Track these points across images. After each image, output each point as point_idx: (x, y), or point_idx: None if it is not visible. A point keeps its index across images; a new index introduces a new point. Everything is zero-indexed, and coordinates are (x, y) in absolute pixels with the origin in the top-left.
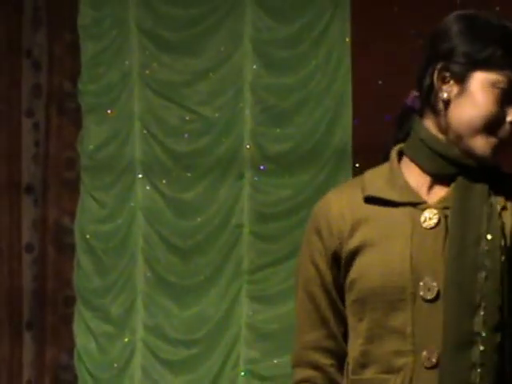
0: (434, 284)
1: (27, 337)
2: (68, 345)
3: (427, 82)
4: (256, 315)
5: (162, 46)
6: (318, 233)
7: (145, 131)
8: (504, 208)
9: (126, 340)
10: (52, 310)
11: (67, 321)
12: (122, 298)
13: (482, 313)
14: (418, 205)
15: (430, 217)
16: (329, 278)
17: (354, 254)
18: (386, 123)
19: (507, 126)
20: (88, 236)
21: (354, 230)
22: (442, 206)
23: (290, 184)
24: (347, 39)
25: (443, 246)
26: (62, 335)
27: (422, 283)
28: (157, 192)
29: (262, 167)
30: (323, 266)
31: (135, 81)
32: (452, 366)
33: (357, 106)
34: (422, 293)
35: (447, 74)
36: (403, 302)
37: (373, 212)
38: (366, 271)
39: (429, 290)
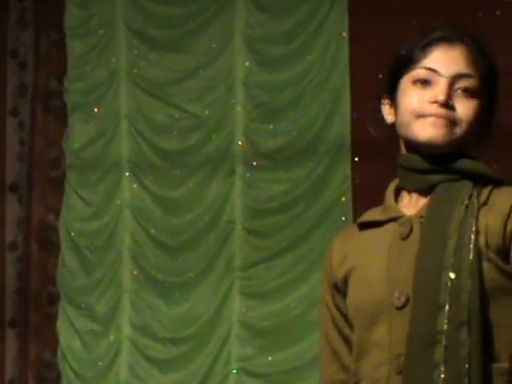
0: (404, 291)
1: (10, 334)
2: (52, 343)
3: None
4: (249, 312)
5: (150, 44)
6: (325, 271)
7: (132, 129)
8: (484, 204)
9: (112, 338)
10: (36, 308)
11: (51, 319)
12: (108, 296)
13: (446, 311)
14: (398, 219)
15: (403, 228)
16: (335, 311)
17: (346, 279)
18: None
19: (428, 106)
20: (73, 234)
21: (344, 258)
22: (419, 216)
23: (285, 179)
24: (344, 33)
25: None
26: (45, 333)
27: (395, 293)
28: (144, 190)
29: (254, 163)
30: (330, 301)
31: (123, 79)
32: (414, 368)
33: (355, 100)
34: (394, 302)
35: (386, 101)
36: (382, 314)
37: (363, 237)
38: (352, 292)
39: (399, 298)
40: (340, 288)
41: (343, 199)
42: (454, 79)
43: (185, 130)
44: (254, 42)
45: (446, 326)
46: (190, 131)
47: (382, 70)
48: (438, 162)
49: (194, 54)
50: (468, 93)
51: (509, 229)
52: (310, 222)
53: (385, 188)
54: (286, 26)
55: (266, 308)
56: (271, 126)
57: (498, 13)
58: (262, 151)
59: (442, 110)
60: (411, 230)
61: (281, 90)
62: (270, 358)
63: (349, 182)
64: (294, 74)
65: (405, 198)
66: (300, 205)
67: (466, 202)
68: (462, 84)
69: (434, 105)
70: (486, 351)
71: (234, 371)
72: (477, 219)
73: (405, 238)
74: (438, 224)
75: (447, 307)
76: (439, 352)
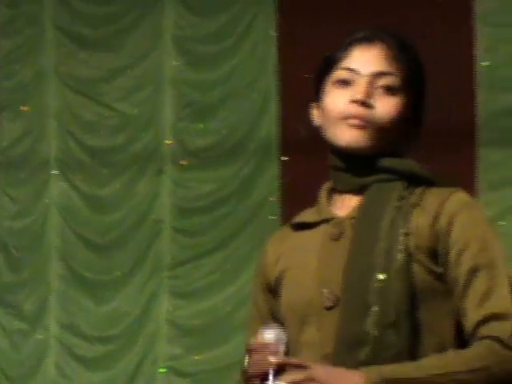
0: (334, 292)
1: None
2: None
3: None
4: (177, 311)
5: (79, 43)
6: (258, 272)
7: (61, 128)
8: (416, 205)
9: (40, 337)
10: None
11: None
12: (36, 295)
13: (374, 312)
14: (330, 220)
15: (335, 229)
16: (265, 312)
17: (279, 280)
18: None
19: (348, 106)
20: (0, 232)
21: (278, 259)
22: (351, 217)
23: (214, 179)
24: (273, 33)
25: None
26: None
27: (325, 293)
28: (72, 188)
29: (183, 162)
30: (261, 301)
31: (51, 78)
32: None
33: (283, 99)
34: (324, 302)
35: (314, 104)
36: (312, 314)
37: (297, 238)
38: (284, 293)
39: (328, 298)
40: (273, 289)
41: (271, 198)
42: (374, 77)
43: (113, 129)
44: (182, 42)
45: (373, 328)
46: (118, 130)
47: (310, 70)
48: (366, 163)
49: (123, 52)
50: (389, 90)
51: (437, 231)
52: (238, 222)
53: (313, 187)
54: (215, 25)
55: (193, 307)
56: (200, 125)
57: (428, 13)
58: (190, 150)
59: (361, 109)
60: (342, 231)
61: (210, 89)
62: (197, 358)
63: (277, 181)
64: (223, 73)
65: (337, 199)
66: (228, 204)
67: (398, 203)
68: (382, 82)
69: (354, 104)
70: (415, 352)
71: (162, 370)
72: (408, 221)
73: (336, 239)
74: (368, 225)
75: (376, 308)
76: (364, 353)
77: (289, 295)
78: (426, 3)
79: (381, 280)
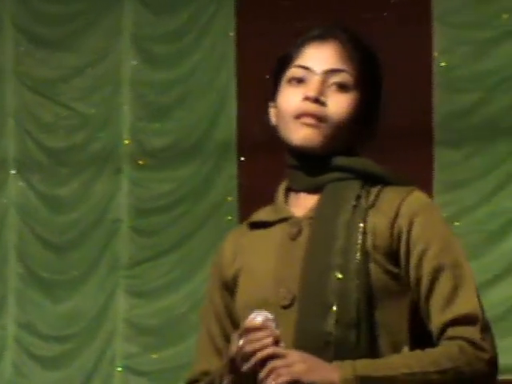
0: (291, 290)
1: None
2: None
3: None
4: (134, 310)
5: (37, 43)
6: (215, 269)
7: (18, 127)
8: (372, 205)
9: None
10: None
11: None
12: None
13: (334, 312)
14: (288, 219)
15: (293, 229)
16: (221, 309)
17: (235, 278)
18: None
19: (301, 104)
20: None
21: (235, 257)
22: (308, 216)
23: (172, 178)
24: (231, 33)
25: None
26: None
27: (282, 292)
28: (30, 188)
29: (140, 162)
30: (217, 299)
31: (9, 77)
32: None
33: (242, 100)
34: (279, 300)
35: (271, 104)
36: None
37: (254, 237)
38: (241, 291)
39: (285, 297)
40: (229, 287)
41: (229, 199)
42: (327, 75)
43: (71, 129)
44: (141, 41)
45: (334, 328)
46: (76, 129)
47: (268, 71)
48: (321, 162)
49: (82, 52)
50: (341, 88)
51: (395, 231)
52: (195, 222)
53: (270, 187)
54: (174, 25)
55: (150, 306)
56: (158, 125)
57: (384, 14)
58: (148, 150)
59: (313, 106)
60: (300, 230)
61: (168, 89)
62: (154, 356)
63: (235, 181)
64: (181, 73)
65: (294, 198)
66: (186, 204)
67: (354, 202)
68: (334, 79)
69: (307, 102)
70: (373, 352)
71: (119, 369)
72: (365, 221)
73: (294, 238)
74: (325, 225)
75: (335, 308)
76: (329, 353)
77: (245, 294)
78: (383, 3)
79: (339, 279)
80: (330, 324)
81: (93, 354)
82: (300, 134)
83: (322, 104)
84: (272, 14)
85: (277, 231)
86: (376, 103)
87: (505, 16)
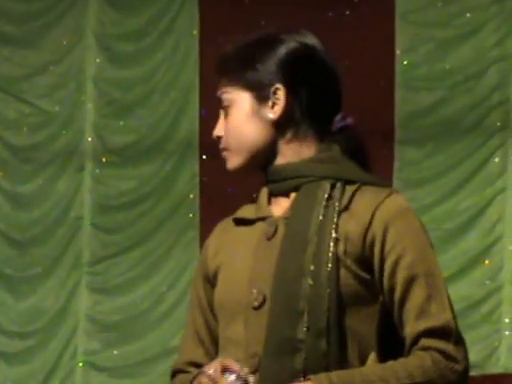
0: (262, 291)
1: None
2: None
3: None
4: (96, 306)
5: (1, 40)
6: (201, 261)
7: None
8: (345, 209)
9: None
10: None
11: None
12: None
13: (305, 318)
14: (265, 219)
15: (269, 228)
16: (204, 302)
17: (216, 274)
18: None
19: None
20: None
21: (217, 252)
22: (284, 217)
23: (134, 176)
24: (195, 32)
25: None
26: None
27: (253, 293)
28: None
29: (103, 159)
30: (201, 291)
31: None
32: (271, 373)
33: (205, 99)
34: (251, 301)
35: None
36: (239, 312)
37: (236, 233)
38: (218, 287)
39: (256, 298)
40: (211, 281)
41: (191, 196)
42: (223, 105)
43: (35, 126)
44: (105, 39)
45: (305, 335)
46: (39, 127)
47: None
48: (282, 172)
49: (45, 50)
50: (227, 109)
51: (369, 237)
52: (157, 219)
53: (231, 185)
54: (137, 23)
55: (112, 303)
56: (121, 123)
57: (347, 12)
58: (111, 148)
59: (220, 142)
60: (276, 230)
61: (131, 87)
62: (115, 352)
63: (197, 179)
64: (144, 71)
65: (274, 198)
66: (148, 201)
67: (326, 203)
68: (224, 105)
69: None
70: (343, 360)
71: (80, 364)
72: (337, 225)
73: (270, 238)
74: (298, 227)
75: (306, 314)
76: (299, 360)
77: (221, 291)
78: (346, 2)
79: (310, 286)
80: (300, 331)
81: (55, 350)
82: (226, 165)
83: (220, 137)
84: (235, 12)
85: (256, 229)
86: (275, 84)
87: (467, 15)
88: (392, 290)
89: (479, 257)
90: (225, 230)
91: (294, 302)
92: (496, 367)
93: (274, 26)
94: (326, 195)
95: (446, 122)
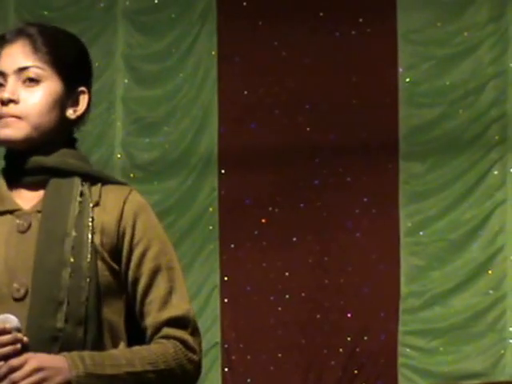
0: (24, 284)
1: None
2: None
3: None
4: None
5: None
6: None
7: None
8: (97, 205)
9: None
10: None
11: None
12: None
13: (65, 309)
14: (14, 212)
15: (22, 222)
16: None
17: None
18: (251, 130)
19: (2, 108)
20: None
21: None
22: (36, 210)
23: (159, 190)
24: (213, 52)
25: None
26: None
27: (14, 284)
28: None
29: (131, 175)
30: None
31: None
32: None
33: (223, 116)
34: (12, 293)
35: None
36: (1, 304)
37: None
38: None
39: (18, 290)
40: None
41: (210, 209)
42: (17, 74)
43: None
44: (132, 61)
45: (64, 324)
46: None
47: (247, 88)
48: (31, 161)
49: None
50: (32, 82)
51: (121, 229)
52: (180, 232)
53: (248, 198)
54: (161, 45)
55: None
56: (146, 140)
57: (353, 32)
58: (138, 163)
59: (6, 109)
60: (30, 224)
61: (156, 106)
62: None
63: (216, 193)
64: (167, 90)
65: (16, 190)
66: (172, 215)
67: (79, 198)
68: (24, 76)
69: (2, 105)
70: (99, 348)
71: None
72: (92, 218)
73: (23, 231)
74: (55, 220)
75: (66, 304)
76: (55, 349)
77: None
78: (352, 23)
79: (70, 276)
80: (59, 320)
81: None
82: (1, 135)
83: (17, 102)
84: (251, 34)
85: (3, 223)
86: (78, 88)
87: (465, 34)
88: (137, 280)
89: (482, 267)
90: None
91: (55, 292)
92: (502, 375)
93: (285, 45)
94: (78, 191)
95: (447, 136)
